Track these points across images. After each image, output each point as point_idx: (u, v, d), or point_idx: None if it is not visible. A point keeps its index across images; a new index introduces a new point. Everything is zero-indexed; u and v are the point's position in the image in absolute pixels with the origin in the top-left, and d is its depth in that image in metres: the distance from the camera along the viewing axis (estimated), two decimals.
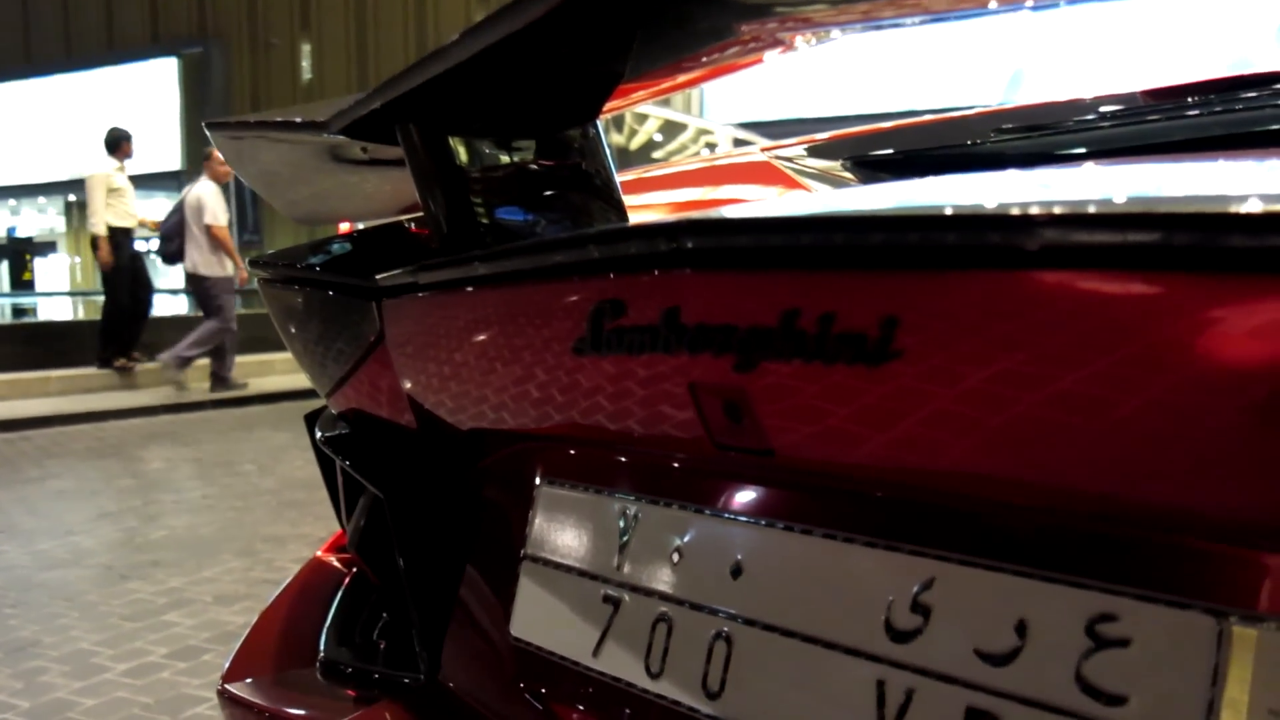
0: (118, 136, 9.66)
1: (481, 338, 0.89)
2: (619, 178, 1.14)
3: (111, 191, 9.42)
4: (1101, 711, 0.55)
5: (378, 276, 1.01)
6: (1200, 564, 0.54)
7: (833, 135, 1.53)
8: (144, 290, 10.25)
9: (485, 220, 1.09)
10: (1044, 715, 0.57)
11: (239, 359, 10.36)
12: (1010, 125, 1.34)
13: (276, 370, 11.16)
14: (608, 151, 1.13)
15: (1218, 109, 1.19)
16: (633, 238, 0.68)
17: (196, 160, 10.00)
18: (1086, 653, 0.56)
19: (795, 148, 1.51)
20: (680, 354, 0.67)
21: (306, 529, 4.85)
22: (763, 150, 1.56)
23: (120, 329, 10.12)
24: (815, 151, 1.48)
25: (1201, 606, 0.53)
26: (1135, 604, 0.55)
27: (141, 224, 10.00)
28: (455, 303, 0.92)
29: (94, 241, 9.50)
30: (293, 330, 1.19)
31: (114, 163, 9.54)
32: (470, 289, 0.88)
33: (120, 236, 9.57)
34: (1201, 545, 0.54)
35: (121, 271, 9.68)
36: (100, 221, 9.38)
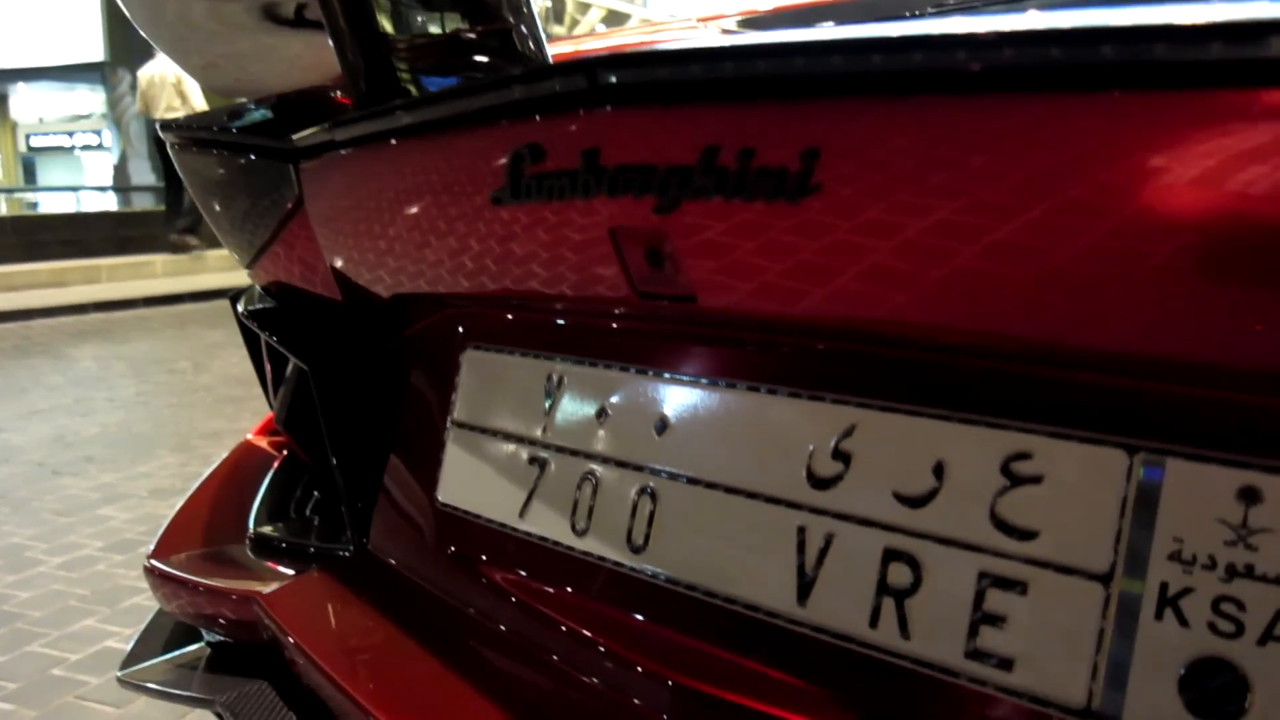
0: None
1: (402, 195, 0.86)
2: (554, 50, 1.10)
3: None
4: (1014, 547, 0.56)
5: (294, 136, 0.97)
6: (1112, 400, 0.54)
7: (774, 8, 1.50)
8: None
9: (410, 86, 1.05)
10: (958, 553, 0.58)
11: (172, 256, 10.17)
12: None
13: (210, 268, 10.93)
14: (537, 19, 1.09)
15: None
16: (553, 75, 0.66)
17: (121, 50, 9.71)
18: (1001, 491, 0.57)
19: (734, 19, 1.47)
20: (600, 198, 0.66)
21: (244, 424, 4.80)
22: (700, 21, 1.52)
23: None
24: (754, 23, 1.44)
25: (1113, 441, 0.53)
26: (1049, 441, 0.55)
27: None
28: (374, 159, 0.89)
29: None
30: (209, 199, 1.15)
31: None
32: (389, 142, 0.85)
33: None
34: (1114, 382, 0.54)
35: None
36: None
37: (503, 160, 0.72)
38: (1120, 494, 0.52)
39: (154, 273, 10.75)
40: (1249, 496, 0.48)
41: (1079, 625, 0.53)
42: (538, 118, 0.69)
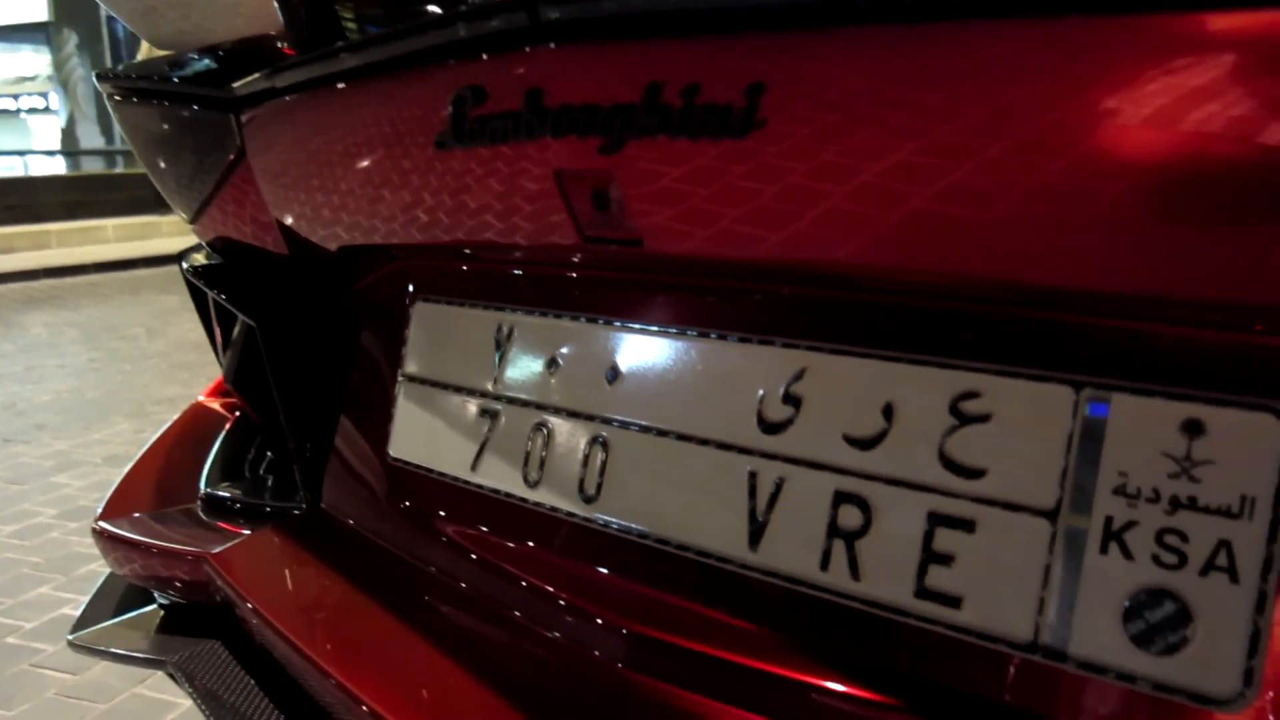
0: None
1: (344, 142, 0.84)
2: None
3: None
4: (962, 486, 0.56)
5: (234, 84, 0.94)
6: (1059, 337, 0.54)
7: None
8: None
9: (354, 36, 1.02)
10: (907, 493, 0.58)
11: (123, 221, 9.93)
12: None
13: (164, 232, 10.74)
14: None
15: None
16: (495, 12, 0.64)
17: (65, 10, 9.42)
18: (949, 430, 0.57)
19: None
20: (544, 139, 0.64)
21: (199, 390, 4.74)
22: None
23: None
24: None
25: (1059, 378, 0.53)
26: (997, 380, 0.55)
27: None
28: (316, 106, 0.87)
29: None
30: (150, 152, 1.12)
31: None
32: (330, 88, 0.83)
33: None
34: (1060, 318, 0.54)
35: None
36: None
37: (445, 103, 0.70)
38: (1066, 430, 0.52)
39: (105, 238, 10.55)
40: (1192, 429, 0.48)
41: (1025, 561, 0.53)
42: (481, 57, 0.67)
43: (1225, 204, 0.43)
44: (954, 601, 0.55)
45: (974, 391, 0.56)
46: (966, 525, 0.55)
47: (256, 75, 0.90)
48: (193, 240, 1.25)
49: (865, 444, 0.60)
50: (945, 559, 0.56)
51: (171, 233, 10.63)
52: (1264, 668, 0.45)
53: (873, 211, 0.54)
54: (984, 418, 0.55)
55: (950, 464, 0.56)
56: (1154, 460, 0.49)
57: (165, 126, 1.06)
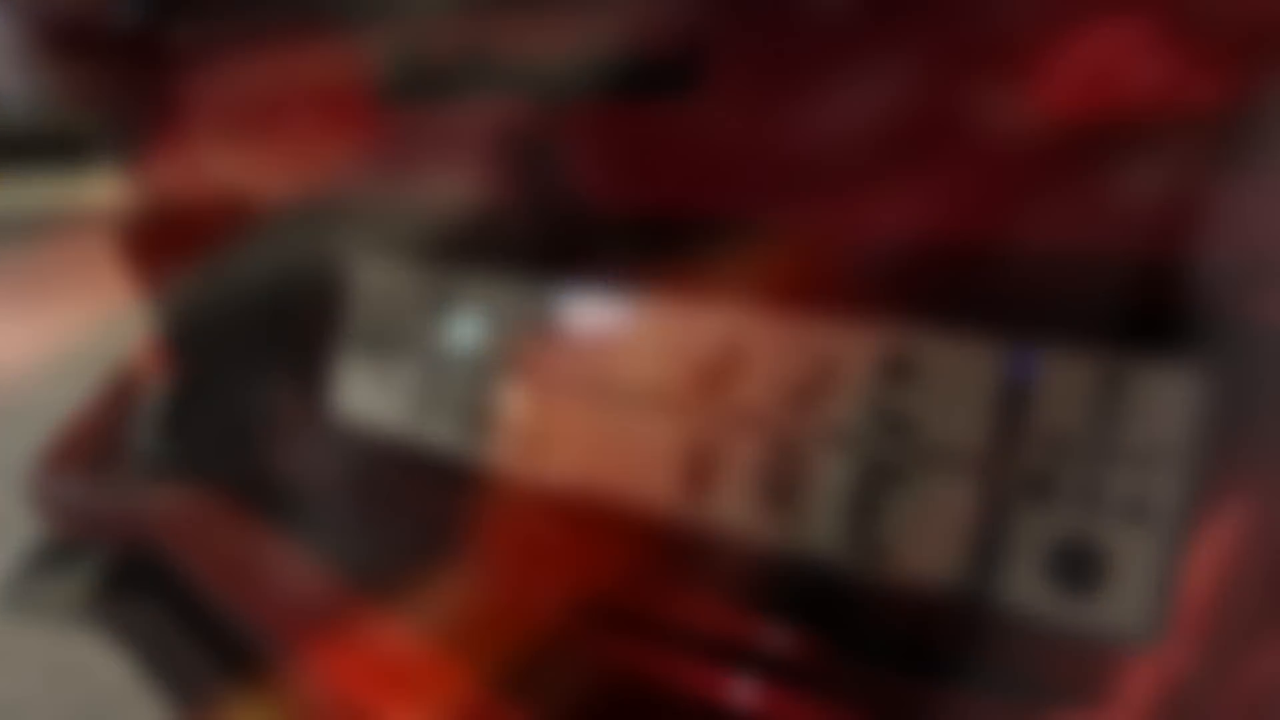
0: None
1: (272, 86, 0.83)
2: None
3: None
4: (895, 439, 0.57)
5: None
6: (990, 291, 0.55)
7: None
8: None
9: None
10: (842, 447, 0.59)
11: None
12: None
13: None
14: None
15: None
16: None
17: None
18: (884, 385, 0.58)
19: None
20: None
21: (134, 344, 4.65)
22: None
23: None
24: None
25: (989, 335, 0.54)
26: (929, 335, 0.56)
27: None
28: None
29: None
30: None
31: None
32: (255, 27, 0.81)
33: None
34: (992, 273, 0.55)
35: None
36: None
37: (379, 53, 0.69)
38: (996, 383, 0.54)
39: None
40: (1113, 381, 0.49)
41: (953, 512, 0.54)
42: None
43: (1148, 161, 0.44)
44: (885, 552, 0.57)
45: (908, 347, 0.57)
46: (898, 478, 0.57)
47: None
48: None
49: (802, 400, 0.61)
50: (877, 511, 0.57)
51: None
52: (1174, 609, 0.47)
53: (807, 168, 0.54)
54: (917, 373, 0.57)
55: (884, 418, 0.58)
56: (1076, 413, 0.51)
57: None
